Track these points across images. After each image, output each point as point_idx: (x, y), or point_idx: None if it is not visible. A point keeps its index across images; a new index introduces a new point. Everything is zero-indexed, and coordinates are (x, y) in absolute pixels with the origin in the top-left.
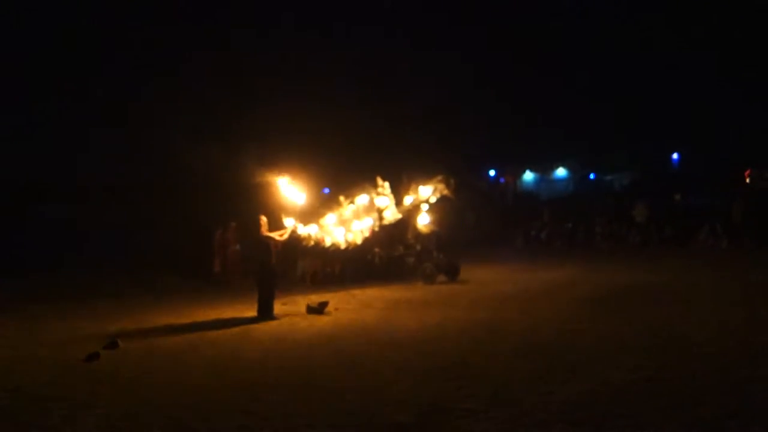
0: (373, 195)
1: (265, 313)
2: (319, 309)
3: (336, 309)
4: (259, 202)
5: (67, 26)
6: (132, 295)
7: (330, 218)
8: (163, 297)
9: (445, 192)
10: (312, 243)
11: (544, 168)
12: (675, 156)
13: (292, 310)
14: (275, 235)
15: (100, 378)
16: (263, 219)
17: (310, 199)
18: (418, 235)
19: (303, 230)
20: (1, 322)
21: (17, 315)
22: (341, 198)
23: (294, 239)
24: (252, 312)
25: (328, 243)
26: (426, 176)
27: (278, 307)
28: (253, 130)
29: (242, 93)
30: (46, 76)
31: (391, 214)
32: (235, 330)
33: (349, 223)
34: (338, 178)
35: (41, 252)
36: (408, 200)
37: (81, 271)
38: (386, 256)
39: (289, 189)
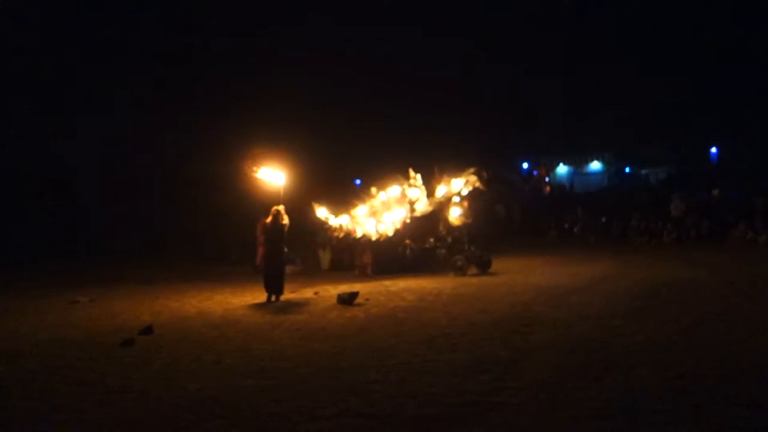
0: (405, 186)
1: (278, 290)
2: (349, 299)
3: (367, 300)
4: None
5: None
6: (166, 281)
7: (361, 209)
8: (197, 283)
9: (477, 184)
10: (342, 234)
11: (578, 161)
12: (713, 150)
13: (322, 299)
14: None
15: (135, 363)
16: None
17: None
18: (450, 227)
19: (334, 221)
20: (39, 307)
21: (54, 300)
22: (373, 189)
23: (318, 229)
24: (284, 297)
25: (359, 234)
26: (458, 168)
27: (310, 296)
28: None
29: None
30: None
31: (423, 206)
32: (267, 317)
33: (381, 214)
34: (370, 170)
35: (73, 239)
36: (440, 192)
37: (114, 257)
38: (417, 247)
39: (268, 174)
